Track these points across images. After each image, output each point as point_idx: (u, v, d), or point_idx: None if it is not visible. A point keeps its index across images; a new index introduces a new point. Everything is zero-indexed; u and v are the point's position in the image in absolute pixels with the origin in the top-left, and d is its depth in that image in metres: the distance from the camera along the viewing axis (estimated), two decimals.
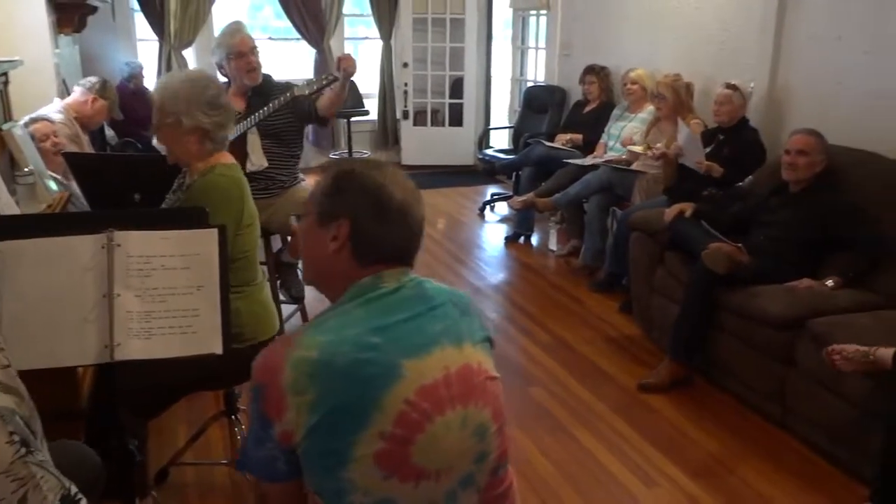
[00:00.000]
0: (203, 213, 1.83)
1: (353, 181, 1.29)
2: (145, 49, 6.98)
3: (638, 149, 4.55)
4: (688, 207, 3.59)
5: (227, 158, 2.34)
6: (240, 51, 3.32)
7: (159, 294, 1.71)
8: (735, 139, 3.99)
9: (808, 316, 2.86)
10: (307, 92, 3.23)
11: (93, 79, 4.27)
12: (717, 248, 3.16)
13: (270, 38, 8.16)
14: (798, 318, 2.88)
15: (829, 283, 3.08)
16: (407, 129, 7.66)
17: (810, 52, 3.95)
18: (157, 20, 6.64)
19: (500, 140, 7.49)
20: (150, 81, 6.24)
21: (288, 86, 3.36)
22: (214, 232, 1.77)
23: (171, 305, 1.71)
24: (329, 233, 1.28)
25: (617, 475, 2.72)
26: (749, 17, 4.30)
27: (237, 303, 2.20)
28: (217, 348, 1.73)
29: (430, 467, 1.22)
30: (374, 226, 1.27)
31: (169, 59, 6.70)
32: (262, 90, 3.40)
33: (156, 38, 6.73)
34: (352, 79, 3.38)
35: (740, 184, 3.77)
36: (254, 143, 3.37)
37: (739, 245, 3.28)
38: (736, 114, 4.00)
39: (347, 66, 3.21)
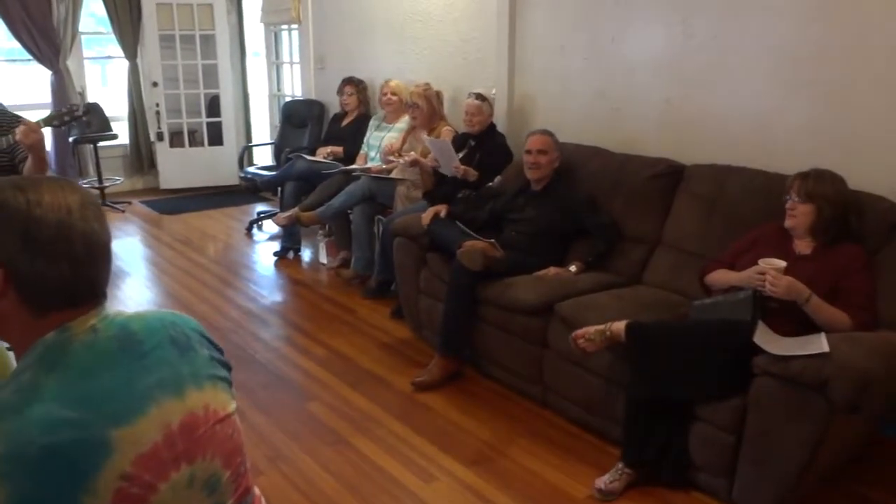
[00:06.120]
0: None
1: None
2: None
3: (391, 157, 4.68)
4: (442, 209, 3.75)
5: None
6: None
7: None
8: (485, 144, 4.25)
9: (555, 300, 3.10)
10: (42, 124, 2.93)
11: None
12: (472, 246, 3.32)
13: None
14: (547, 304, 3.11)
15: (573, 268, 3.38)
16: (163, 152, 7.26)
17: (539, 60, 4.31)
18: None
19: (264, 157, 7.34)
20: None
21: (16, 117, 3.02)
22: None
23: None
24: None
25: (398, 477, 2.76)
26: (485, 29, 4.59)
27: None
28: None
29: None
30: (30, 265, 1.07)
31: None
32: None
33: None
34: (95, 104, 3.13)
35: (490, 184, 4.01)
36: None
37: (493, 241, 3.48)
38: (485, 122, 4.27)
39: (24, 140, 2.82)
